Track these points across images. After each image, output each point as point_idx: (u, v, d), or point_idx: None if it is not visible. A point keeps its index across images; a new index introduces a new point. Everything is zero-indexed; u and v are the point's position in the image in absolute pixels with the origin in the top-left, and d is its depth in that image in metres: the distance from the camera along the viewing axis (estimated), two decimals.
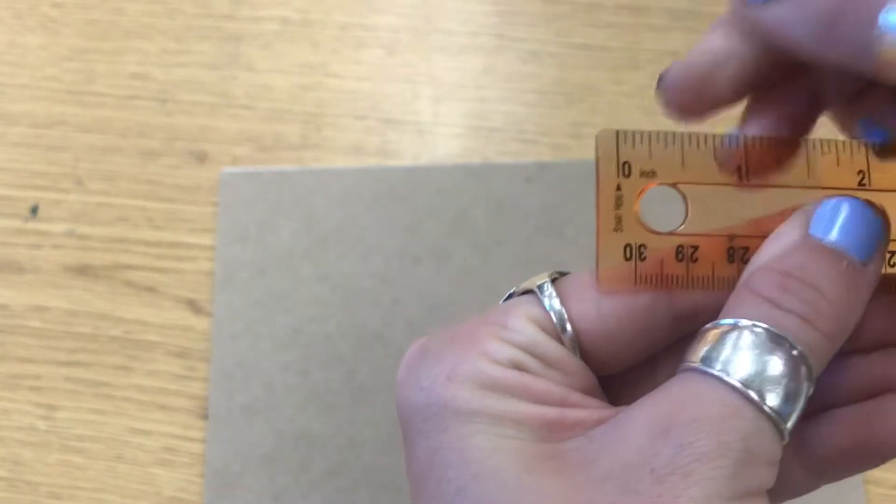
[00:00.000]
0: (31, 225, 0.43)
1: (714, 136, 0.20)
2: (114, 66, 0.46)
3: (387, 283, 0.41)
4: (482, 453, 0.17)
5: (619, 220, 0.19)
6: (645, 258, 0.19)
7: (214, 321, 0.41)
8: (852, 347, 0.19)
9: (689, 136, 0.20)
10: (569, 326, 0.19)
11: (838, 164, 0.20)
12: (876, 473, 0.38)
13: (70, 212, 0.43)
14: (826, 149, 0.20)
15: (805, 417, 0.18)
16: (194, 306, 0.41)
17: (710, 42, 0.19)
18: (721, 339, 0.17)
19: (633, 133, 0.20)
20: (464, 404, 0.18)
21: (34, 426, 0.40)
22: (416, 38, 0.47)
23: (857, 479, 0.38)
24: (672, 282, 0.20)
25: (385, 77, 0.46)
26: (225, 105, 0.45)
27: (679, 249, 0.20)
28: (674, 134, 0.20)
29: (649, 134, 0.20)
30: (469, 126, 0.45)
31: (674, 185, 0.20)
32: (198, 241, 0.43)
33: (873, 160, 0.20)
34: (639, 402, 0.18)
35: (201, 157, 0.44)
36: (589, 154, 0.46)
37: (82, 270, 0.42)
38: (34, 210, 0.44)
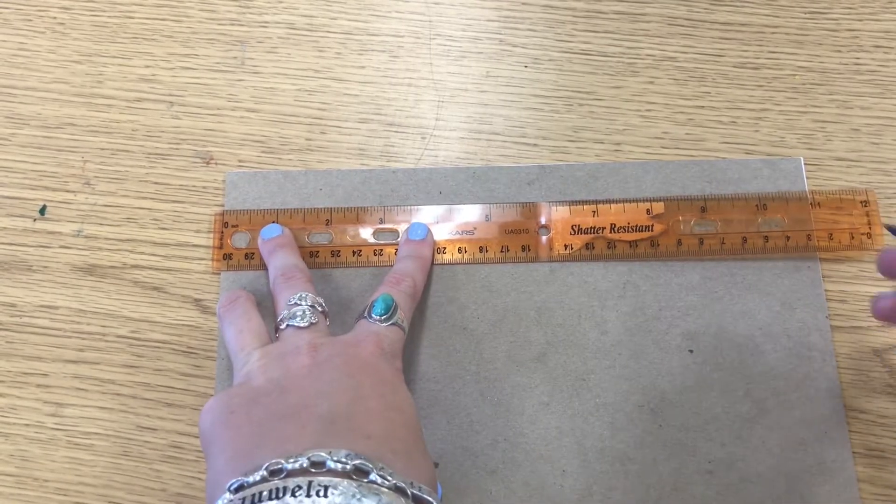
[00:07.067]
0: (40, 225, 0.44)
1: None
2: (122, 69, 0.46)
3: None
4: None
5: None
6: None
7: None
8: None
9: None
10: None
11: None
12: (870, 472, 0.38)
13: (78, 212, 0.44)
14: None
15: None
16: (200, 306, 0.42)
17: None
18: None
19: None
20: None
21: (42, 423, 0.40)
22: (418, 43, 0.47)
23: (850, 478, 0.38)
24: None
25: (388, 81, 0.46)
26: (231, 108, 0.46)
27: None
28: None
29: None
30: (470, 130, 0.45)
31: None
32: (204, 242, 0.43)
33: None
34: None
35: (207, 159, 0.45)
36: (587, 157, 0.47)
37: (90, 270, 0.43)
38: (43, 210, 0.44)
